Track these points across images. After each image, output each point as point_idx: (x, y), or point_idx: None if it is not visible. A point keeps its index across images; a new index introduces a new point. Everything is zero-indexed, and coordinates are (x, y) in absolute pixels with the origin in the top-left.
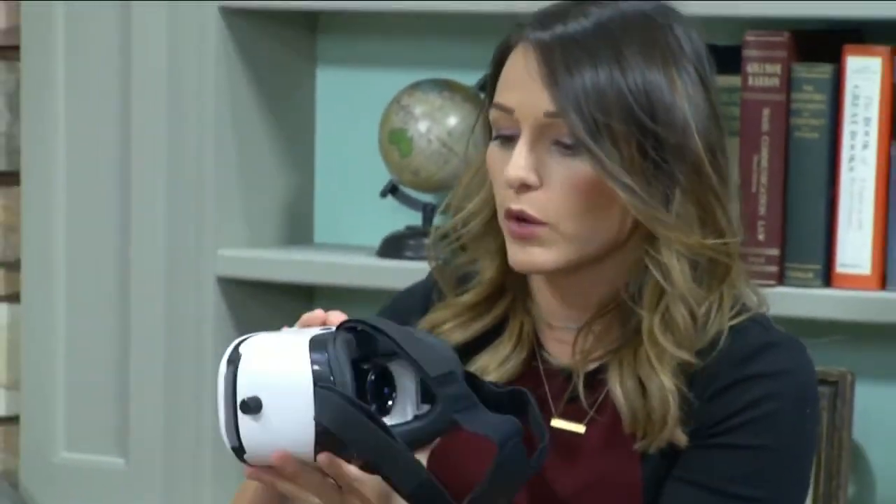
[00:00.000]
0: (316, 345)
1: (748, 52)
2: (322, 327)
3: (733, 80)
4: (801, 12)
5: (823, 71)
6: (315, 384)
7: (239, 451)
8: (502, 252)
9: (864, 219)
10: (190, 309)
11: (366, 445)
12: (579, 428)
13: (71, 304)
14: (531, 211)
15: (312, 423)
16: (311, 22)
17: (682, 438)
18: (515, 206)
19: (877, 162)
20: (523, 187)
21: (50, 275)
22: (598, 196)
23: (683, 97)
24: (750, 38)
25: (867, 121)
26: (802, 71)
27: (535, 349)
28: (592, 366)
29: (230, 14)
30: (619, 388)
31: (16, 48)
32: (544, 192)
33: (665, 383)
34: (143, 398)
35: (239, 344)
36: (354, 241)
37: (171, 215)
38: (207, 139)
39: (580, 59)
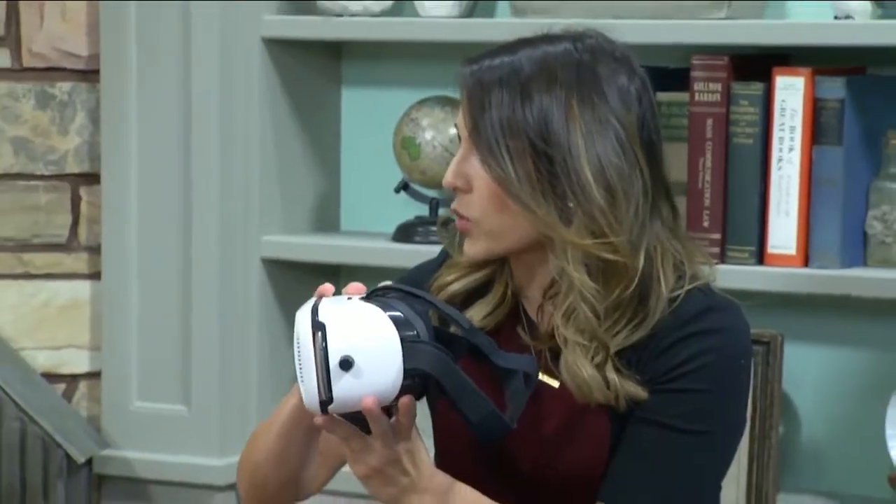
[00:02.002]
0: (386, 306)
1: (694, 73)
2: (349, 294)
3: (682, 96)
4: (739, 40)
5: (757, 88)
6: (401, 339)
7: (325, 403)
8: None
9: (791, 209)
10: (239, 284)
11: (450, 382)
12: (554, 382)
13: (142, 281)
14: (460, 209)
15: (401, 373)
16: (336, 50)
17: (642, 395)
18: (453, 206)
19: (800, 162)
20: (456, 190)
21: (125, 257)
22: (501, 206)
23: (578, 126)
24: (696, 61)
25: (793, 129)
26: (739, 88)
27: (519, 310)
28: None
29: (270, 43)
30: (564, 368)
31: (96, 72)
32: (471, 195)
33: (582, 373)
34: (202, 357)
35: (315, 312)
36: (373, 229)
37: (223, 208)
38: (253, 146)
39: (491, 90)
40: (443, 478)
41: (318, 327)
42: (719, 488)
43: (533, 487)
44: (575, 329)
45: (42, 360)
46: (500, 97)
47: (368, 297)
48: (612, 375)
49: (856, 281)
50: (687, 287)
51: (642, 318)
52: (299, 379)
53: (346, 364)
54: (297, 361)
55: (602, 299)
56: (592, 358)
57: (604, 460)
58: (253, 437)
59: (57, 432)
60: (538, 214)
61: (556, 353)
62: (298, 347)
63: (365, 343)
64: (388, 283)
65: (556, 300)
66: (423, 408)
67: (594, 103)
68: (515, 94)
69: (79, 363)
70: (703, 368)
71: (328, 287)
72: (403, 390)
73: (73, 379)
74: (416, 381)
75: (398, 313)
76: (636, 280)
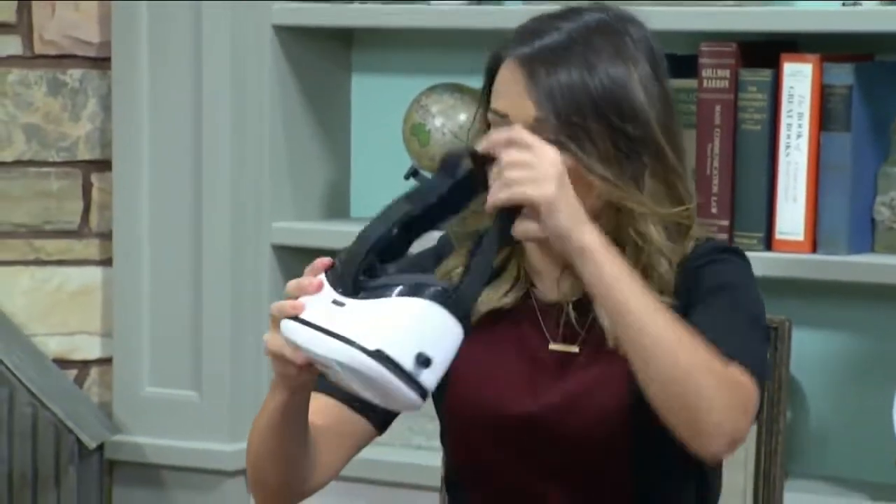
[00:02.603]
0: (407, 286)
1: (703, 60)
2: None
3: (690, 83)
4: (747, 27)
5: (765, 75)
6: (442, 305)
7: (424, 396)
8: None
9: (798, 195)
10: (249, 271)
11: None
12: (573, 348)
13: (153, 268)
14: None
15: (458, 324)
16: (346, 37)
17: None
18: None
19: (808, 149)
20: None
21: (136, 244)
22: (579, 182)
23: (640, 90)
24: (704, 48)
25: (800, 115)
26: (747, 75)
27: (529, 290)
28: (576, 296)
29: (282, 31)
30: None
31: (107, 59)
32: None
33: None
34: (213, 343)
35: (355, 345)
36: (365, 214)
37: (234, 195)
38: (264, 133)
39: (556, 67)
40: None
41: (377, 357)
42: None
43: (553, 452)
44: (653, 286)
45: (54, 345)
46: (569, 75)
47: (355, 282)
48: None
49: (863, 267)
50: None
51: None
52: (370, 394)
53: (424, 360)
54: (359, 385)
55: (677, 254)
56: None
57: (626, 410)
58: (249, 437)
59: (68, 418)
60: (623, 189)
61: (567, 320)
62: (358, 379)
63: (420, 331)
64: (327, 260)
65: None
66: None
67: (645, 67)
68: (581, 69)
69: (90, 349)
70: (730, 276)
71: (325, 261)
72: (468, 330)
73: (84, 365)
74: (468, 318)
75: (411, 283)
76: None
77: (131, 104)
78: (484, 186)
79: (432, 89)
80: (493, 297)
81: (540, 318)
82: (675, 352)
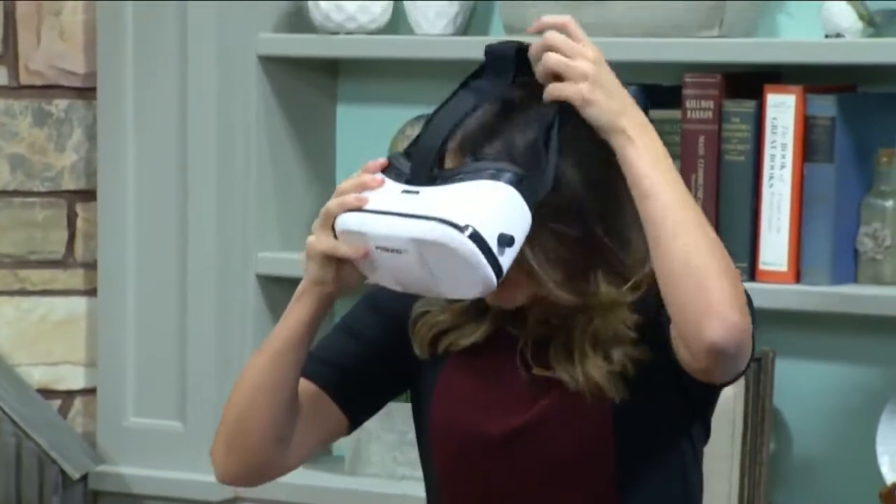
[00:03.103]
0: (482, 172)
1: (687, 91)
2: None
3: (675, 114)
4: (730, 58)
5: (748, 106)
6: (518, 191)
7: (498, 279)
8: None
9: (782, 226)
10: (235, 300)
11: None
12: (547, 372)
13: (138, 298)
14: None
15: (530, 215)
16: (332, 68)
17: (646, 354)
18: None
19: (791, 179)
20: None
21: (121, 273)
22: (525, 274)
23: (583, 184)
24: (688, 79)
25: (784, 146)
26: (731, 106)
27: (509, 318)
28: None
29: (267, 61)
30: (560, 367)
31: (93, 89)
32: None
33: (596, 370)
34: (198, 373)
35: (444, 221)
36: None
37: (220, 225)
38: (249, 163)
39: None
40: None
41: (468, 230)
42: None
43: (533, 471)
44: (606, 344)
45: (38, 375)
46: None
47: (431, 172)
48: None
49: (847, 298)
50: None
51: None
52: (432, 281)
53: (507, 240)
54: (426, 271)
55: (637, 309)
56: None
57: (609, 432)
58: (242, 376)
59: (52, 448)
60: (570, 293)
61: (542, 345)
62: (438, 259)
63: (503, 213)
64: (383, 160)
65: (544, 304)
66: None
67: (583, 155)
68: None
69: (74, 379)
70: None
71: (380, 161)
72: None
73: (68, 395)
74: (537, 210)
75: (488, 166)
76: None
77: (117, 134)
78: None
79: (417, 119)
80: (476, 332)
81: (520, 346)
82: (700, 232)
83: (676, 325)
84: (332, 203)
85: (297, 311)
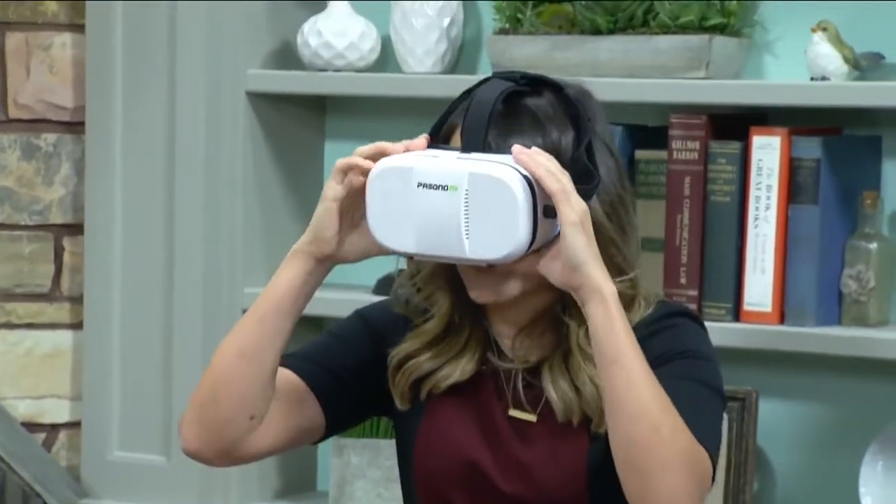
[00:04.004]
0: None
1: (673, 132)
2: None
3: (661, 154)
4: (716, 99)
5: (734, 147)
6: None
7: (529, 248)
8: (452, 286)
9: (767, 266)
10: (221, 335)
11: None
12: (531, 417)
13: (124, 332)
14: None
15: None
16: (320, 104)
17: None
18: None
19: (776, 220)
20: None
21: (107, 307)
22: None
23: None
24: (674, 120)
25: (769, 187)
26: (717, 147)
27: (492, 350)
28: (533, 361)
29: (255, 97)
30: (551, 387)
31: (81, 124)
32: None
33: (595, 380)
34: (183, 408)
35: (517, 170)
36: (355, 281)
37: (206, 260)
38: (237, 199)
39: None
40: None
41: (527, 181)
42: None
43: None
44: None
45: (23, 409)
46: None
47: (485, 142)
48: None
49: (831, 339)
50: (654, 305)
51: None
52: (462, 231)
53: (550, 212)
54: (463, 215)
55: None
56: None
57: (583, 478)
58: (224, 342)
59: (36, 482)
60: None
61: (527, 384)
62: (482, 202)
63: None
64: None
65: (537, 328)
66: (389, 448)
67: (595, 141)
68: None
69: (59, 412)
70: (683, 341)
71: (421, 141)
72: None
73: (53, 428)
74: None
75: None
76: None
77: (105, 169)
78: None
79: None
80: (455, 372)
81: (502, 380)
82: (654, 416)
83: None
84: (365, 149)
85: (287, 273)
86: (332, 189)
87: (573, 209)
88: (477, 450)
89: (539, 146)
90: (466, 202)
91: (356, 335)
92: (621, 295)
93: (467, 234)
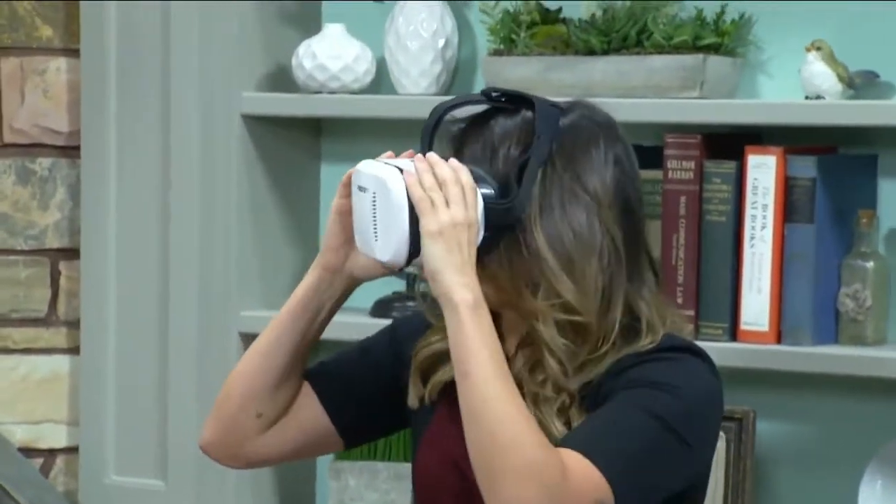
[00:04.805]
0: (472, 173)
1: (668, 152)
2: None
3: (656, 174)
4: (711, 119)
5: (729, 167)
6: (483, 201)
7: (412, 255)
8: None
9: (763, 286)
10: (217, 359)
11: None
12: None
13: (120, 356)
14: None
15: (483, 231)
16: (315, 127)
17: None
18: None
19: (773, 240)
20: None
21: (103, 332)
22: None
23: (536, 198)
24: (669, 139)
25: (765, 207)
26: (712, 166)
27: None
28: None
29: (250, 120)
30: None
31: (76, 148)
32: None
33: (552, 430)
34: (179, 432)
35: (402, 171)
36: (351, 304)
37: (202, 283)
38: (232, 222)
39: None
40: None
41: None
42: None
43: None
44: (541, 382)
45: (20, 434)
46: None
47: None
48: (575, 422)
49: (828, 358)
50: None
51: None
52: (371, 235)
53: None
54: (369, 218)
55: (571, 354)
56: (559, 408)
57: None
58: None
59: None
60: (502, 284)
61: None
62: (381, 203)
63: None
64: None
65: (524, 353)
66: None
67: (559, 169)
68: (481, 158)
69: (56, 438)
70: (668, 376)
71: (390, 154)
72: (480, 247)
73: (50, 453)
74: (492, 238)
75: (475, 173)
76: (611, 338)
77: (100, 193)
78: None
79: None
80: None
81: None
82: (494, 427)
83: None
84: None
85: (304, 281)
86: (336, 201)
87: (435, 219)
88: (467, 457)
89: (477, 161)
90: (374, 203)
91: (378, 346)
92: (580, 327)
93: (376, 235)
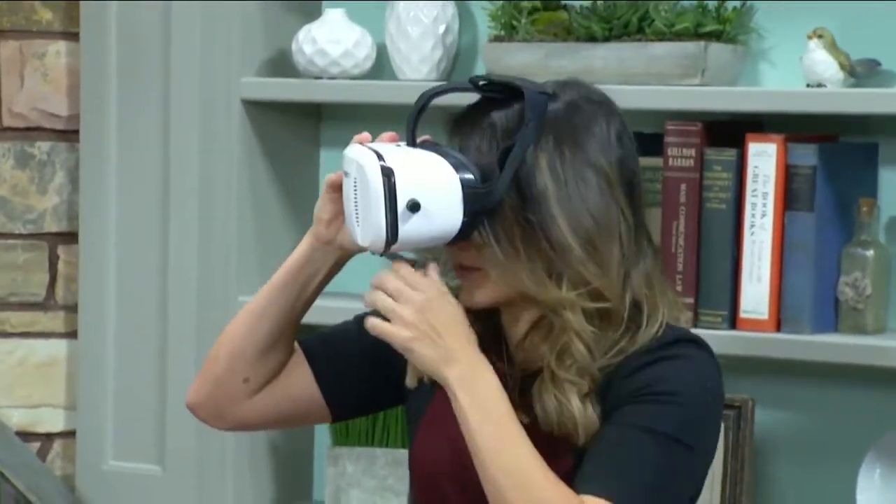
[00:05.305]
0: (443, 153)
1: (668, 139)
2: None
3: (656, 162)
4: (712, 106)
5: (730, 154)
6: (462, 186)
7: (390, 242)
8: None
9: (763, 274)
10: None
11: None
12: (524, 419)
13: (119, 341)
14: (466, 262)
15: (461, 215)
16: (315, 112)
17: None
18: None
19: (773, 228)
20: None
21: (102, 316)
22: (494, 265)
23: (549, 182)
24: (670, 127)
25: (765, 195)
26: (712, 154)
27: (502, 350)
28: (533, 369)
29: (250, 105)
30: (536, 397)
31: (75, 132)
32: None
33: (571, 408)
34: (177, 417)
35: (380, 156)
36: (351, 290)
37: (201, 268)
38: (231, 207)
39: (468, 151)
40: (475, 349)
41: (387, 172)
42: None
43: None
44: (568, 367)
45: (17, 418)
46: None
47: (426, 146)
48: (589, 409)
49: (827, 347)
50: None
51: (624, 347)
52: (354, 218)
53: (415, 207)
54: (352, 201)
55: (598, 340)
56: (583, 392)
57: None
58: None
59: (31, 491)
60: (524, 279)
61: (525, 387)
62: (361, 188)
63: (431, 187)
64: (426, 136)
65: (538, 334)
66: (384, 457)
67: (568, 155)
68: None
69: (54, 422)
70: (669, 383)
71: (365, 135)
72: (460, 232)
73: (47, 438)
74: (471, 223)
75: (455, 159)
76: (625, 320)
77: (99, 177)
78: None
79: None
80: None
81: (505, 369)
82: (512, 496)
83: None
84: (361, 135)
85: (293, 254)
86: (329, 176)
87: (403, 326)
88: (468, 453)
89: (465, 148)
90: (356, 188)
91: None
92: (607, 312)
93: (357, 220)
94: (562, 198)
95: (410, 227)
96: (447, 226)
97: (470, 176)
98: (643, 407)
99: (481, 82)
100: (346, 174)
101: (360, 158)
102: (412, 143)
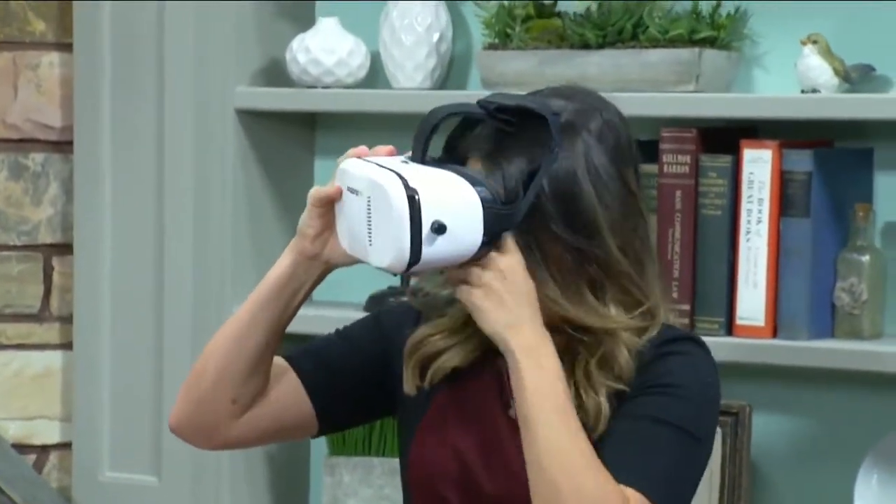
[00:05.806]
0: (459, 171)
1: (664, 146)
2: (402, 157)
3: (651, 168)
4: (707, 113)
5: (725, 161)
6: (483, 206)
7: (412, 264)
8: None
9: (759, 280)
10: None
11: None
12: None
13: (114, 351)
14: None
15: (481, 236)
16: (309, 121)
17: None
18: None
19: (768, 234)
20: None
21: (97, 328)
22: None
23: (594, 202)
24: (665, 133)
25: (760, 201)
26: (708, 161)
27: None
28: None
29: (245, 115)
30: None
31: (70, 143)
32: None
33: (600, 403)
34: None
35: (402, 178)
36: (345, 299)
37: (196, 278)
38: (226, 216)
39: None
40: (542, 325)
41: (411, 193)
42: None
43: None
44: (609, 372)
45: (13, 430)
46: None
47: (428, 163)
48: (606, 402)
49: (824, 352)
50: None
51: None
52: (365, 238)
53: (441, 229)
54: (364, 221)
55: (637, 345)
56: (608, 390)
57: None
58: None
59: (27, 503)
60: (570, 308)
61: None
62: (378, 209)
63: (455, 208)
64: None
65: (592, 347)
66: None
67: (605, 177)
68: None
69: (50, 434)
70: (677, 377)
71: (363, 149)
72: (477, 252)
73: (43, 449)
74: (488, 243)
75: (472, 178)
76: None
77: (93, 188)
78: None
79: None
80: (460, 355)
81: (503, 382)
82: (557, 477)
83: None
84: (342, 157)
85: (276, 266)
86: (318, 189)
87: (480, 286)
88: (469, 448)
89: (484, 168)
90: (369, 208)
91: (363, 333)
92: (643, 316)
93: (370, 240)
94: (614, 222)
95: (434, 249)
96: (468, 246)
97: (489, 195)
98: (653, 399)
99: (490, 106)
100: (354, 192)
101: (379, 178)
102: (422, 160)
